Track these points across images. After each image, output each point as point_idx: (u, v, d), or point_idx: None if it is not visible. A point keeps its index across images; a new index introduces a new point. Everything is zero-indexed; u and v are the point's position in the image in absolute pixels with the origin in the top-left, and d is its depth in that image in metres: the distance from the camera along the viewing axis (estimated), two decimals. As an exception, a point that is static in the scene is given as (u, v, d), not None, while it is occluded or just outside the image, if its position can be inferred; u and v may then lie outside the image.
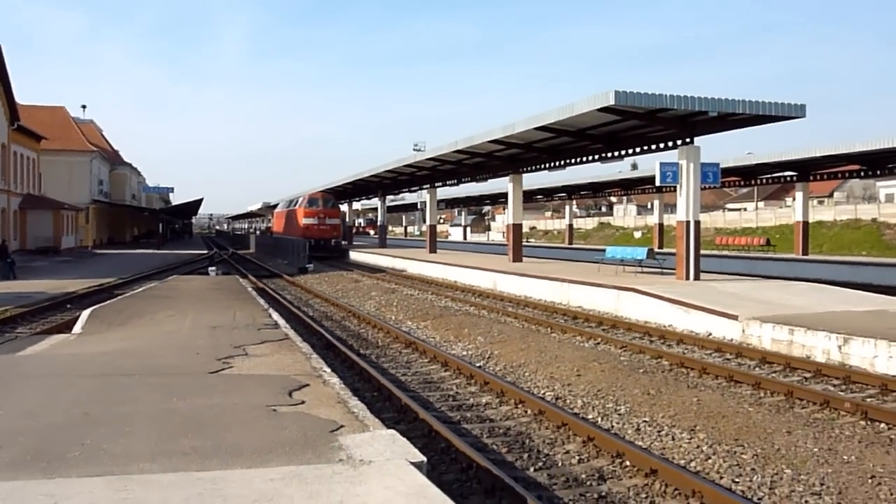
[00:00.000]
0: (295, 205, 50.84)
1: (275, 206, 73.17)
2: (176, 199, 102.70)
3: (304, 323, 16.87)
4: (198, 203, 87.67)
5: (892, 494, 6.28)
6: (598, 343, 14.18)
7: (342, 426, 6.25)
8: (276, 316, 14.44)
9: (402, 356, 13.36)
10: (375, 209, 57.97)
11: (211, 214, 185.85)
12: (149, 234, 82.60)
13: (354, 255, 47.17)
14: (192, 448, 5.57)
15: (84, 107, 76.94)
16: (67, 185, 56.90)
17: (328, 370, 8.92)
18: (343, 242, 51.07)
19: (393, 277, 30.81)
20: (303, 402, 7.10)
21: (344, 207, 68.22)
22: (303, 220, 46.48)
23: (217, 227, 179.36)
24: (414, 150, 63.15)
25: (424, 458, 5.45)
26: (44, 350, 11.06)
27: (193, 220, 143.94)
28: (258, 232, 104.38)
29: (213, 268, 31.86)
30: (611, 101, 17.84)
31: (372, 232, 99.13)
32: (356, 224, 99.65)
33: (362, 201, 75.36)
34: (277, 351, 10.20)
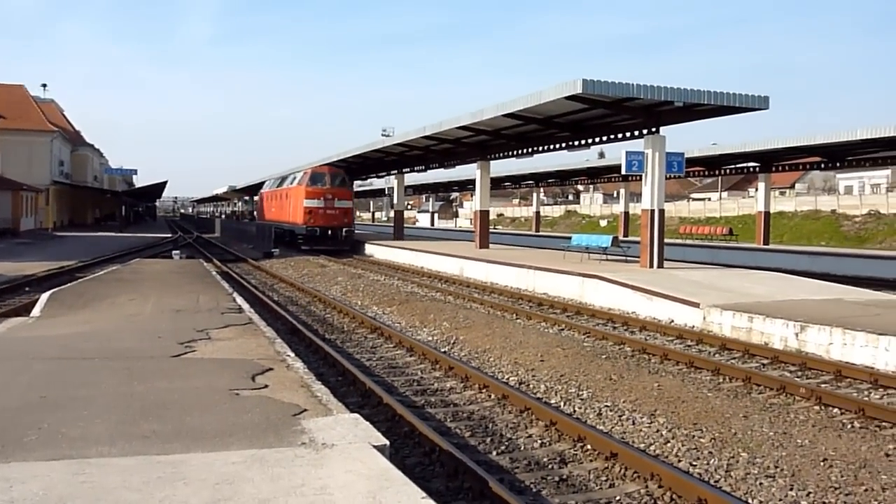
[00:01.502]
0: (291, 182, 39.31)
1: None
2: (140, 181, 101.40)
3: (268, 307, 16.77)
4: (162, 185, 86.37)
5: (842, 477, 6.45)
6: (563, 329, 14.30)
7: (305, 410, 6.25)
8: (240, 300, 14.35)
9: (368, 341, 13.36)
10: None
11: (175, 197, 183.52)
12: (111, 216, 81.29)
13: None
14: (152, 431, 5.53)
15: (44, 86, 75.05)
16: (27, 166, 55.72)
17: (292, 354, 8.90)
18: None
19: (359, 262, 30.73)
20: (266, 386, 7.08)
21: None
22: (304, 203, 35.29)
23: (182, 211, 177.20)
24: (382, 135, 62.79)
25: (387, 442, 5.47)
26: (0, 333, 10.87)
27: (157, 203, 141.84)
28: (223, 216, 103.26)
29: (177, 251, 31.54)
30: (578, 90, 17.91)
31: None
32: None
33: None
34: (241, 335, 10.14)
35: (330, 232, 35.19)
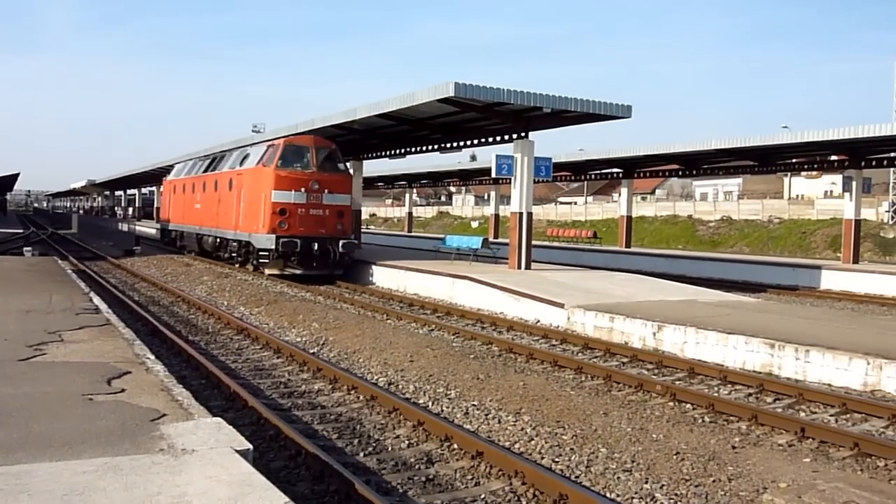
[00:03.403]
0: (240, 163, 25.69)
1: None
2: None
3: (128, 308, 16.05)
4: (13, 178, 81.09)
5: (693, 469, 6.80)
6: (432, 329, 14.41)
7: (165, 415, 6.01)
8: (97, 300, 13.65)
9: (234, 343, 13.02)
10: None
11: (28, 191, 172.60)
12: (-46, 210, 75.62)
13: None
14: (-6, 441, 5.18)
15: None
16: None
17: (152, 357, 8.55)
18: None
19: (226, 262, 29.86)
20: (123, 391, 6.77)
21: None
22: (271, 197, 22.14)
23: (35, 205, 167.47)
24: (253, 131, 61.37)
25: (250, 446, 5.34)
26: None
27: (8, 197, 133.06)
28: (82, 211, 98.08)
29: (29, 248, 29.67)
30: (451, 93, 18.09)
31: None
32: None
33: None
34: (97, 337, 9.65)
35: (317, 246, 22.11)
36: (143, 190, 72.16)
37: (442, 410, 8.87)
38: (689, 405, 9.23)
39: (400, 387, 10.01)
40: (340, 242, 22.46)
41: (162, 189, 41.76)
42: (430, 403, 9.17)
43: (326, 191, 22.79)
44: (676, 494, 6.35)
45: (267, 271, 22.92)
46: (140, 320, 14.47)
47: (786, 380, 10.56)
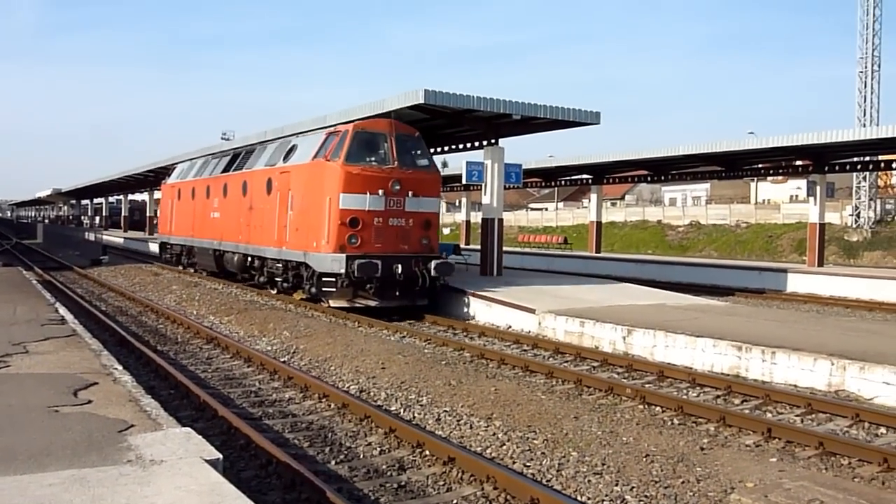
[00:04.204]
0: (284, 157, 19.76)
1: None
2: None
3: (95, 318, 15.86)
4: (-24, 188, 79.89)
5: (662, 471, 6.87)
6: (404, 336, 14.40)
7: (132, 426, 5.96)
8: (63, 311, 13.48)
9: (203, 352, 12.92)
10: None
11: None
12: (-84, 220, 74.16)
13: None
14: (-43, 454, 5.10)
15: None
16: None
17: (120, 367, 8.46)
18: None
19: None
20: (89, 402, 6.69)
21: (142, 196, 60.76)
22: (339, 203, 16.29)
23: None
24: (222, 138, 60.88)
25: (220, 456, 5.31)
26: None
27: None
28: (47, 220, 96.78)
29: (-7, 259, 29.22)
30: (421, 100, 18.08)
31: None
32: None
33: (157, 193, 69.57)
34: (63, 348, 9.53)
35: (401, 268, 16.43)
36: (111, 199, 71.40)
37: (414, 417, 8.87)
38: (658, 408, 9.30)
39: (372, 394, 9.99)
40: (432, 263, 16.86)
41: (158, 195, 36.83)
42: (401, 410, 9.17)
43: (410, 193, 17.08)
44: (646, 496, 6.40)
45: (332, 303, 17.03)
46: (107, 331, 14.30)
47: (753, 381, 10.70)
